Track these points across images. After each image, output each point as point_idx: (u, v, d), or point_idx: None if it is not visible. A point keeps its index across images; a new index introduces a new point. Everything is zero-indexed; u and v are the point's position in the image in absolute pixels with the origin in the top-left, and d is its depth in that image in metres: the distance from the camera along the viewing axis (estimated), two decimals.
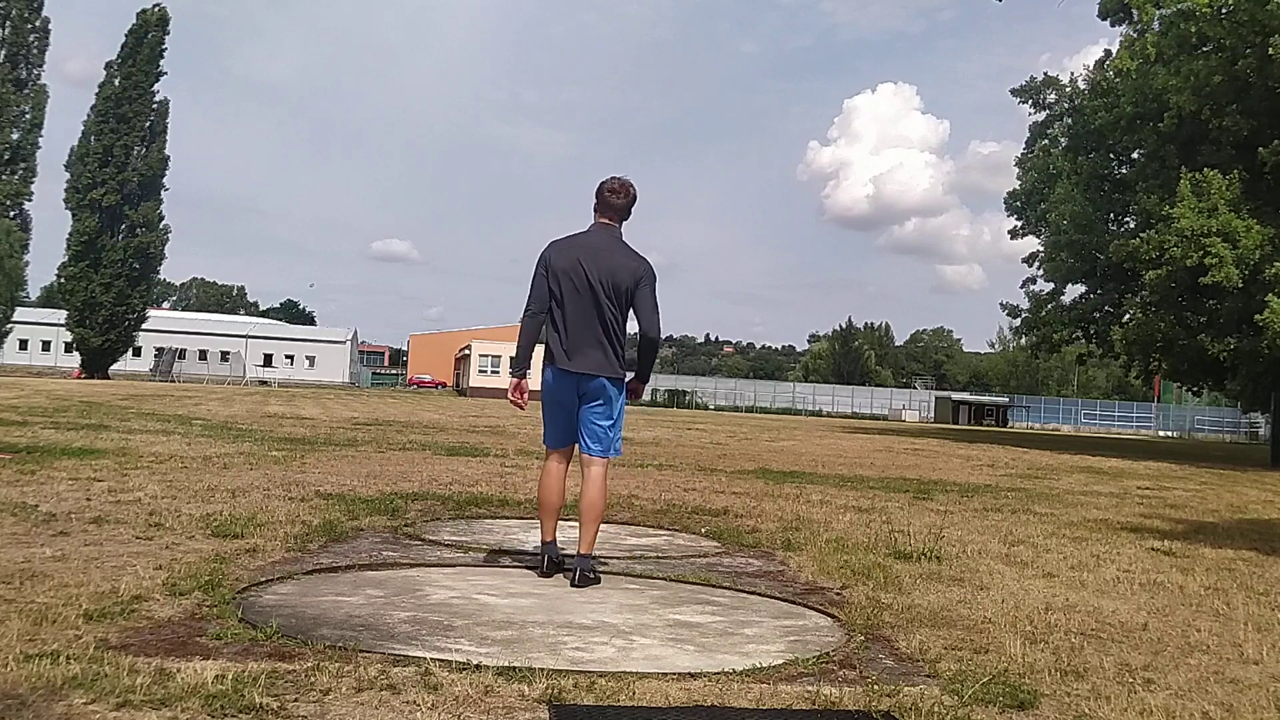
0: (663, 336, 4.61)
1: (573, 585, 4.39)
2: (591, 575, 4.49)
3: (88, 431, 11.91)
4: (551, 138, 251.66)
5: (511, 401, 4.76)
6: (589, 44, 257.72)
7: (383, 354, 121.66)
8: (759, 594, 4.54)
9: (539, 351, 4.56)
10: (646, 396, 73.76)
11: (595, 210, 4.65)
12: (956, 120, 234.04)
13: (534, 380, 4.53)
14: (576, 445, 4.66)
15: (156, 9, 49.83)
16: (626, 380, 4.63)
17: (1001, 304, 45.00)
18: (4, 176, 40.98)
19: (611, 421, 4.59)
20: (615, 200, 4.61)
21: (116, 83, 48.66)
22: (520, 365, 4.64)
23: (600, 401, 4.54)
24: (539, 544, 4.77)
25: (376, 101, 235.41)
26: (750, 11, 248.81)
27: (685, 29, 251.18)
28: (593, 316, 4.45)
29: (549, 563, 4.59)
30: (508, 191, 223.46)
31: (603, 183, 4.65)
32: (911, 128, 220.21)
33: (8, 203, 41.01)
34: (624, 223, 4.68)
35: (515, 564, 4.97)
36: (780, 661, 3.34)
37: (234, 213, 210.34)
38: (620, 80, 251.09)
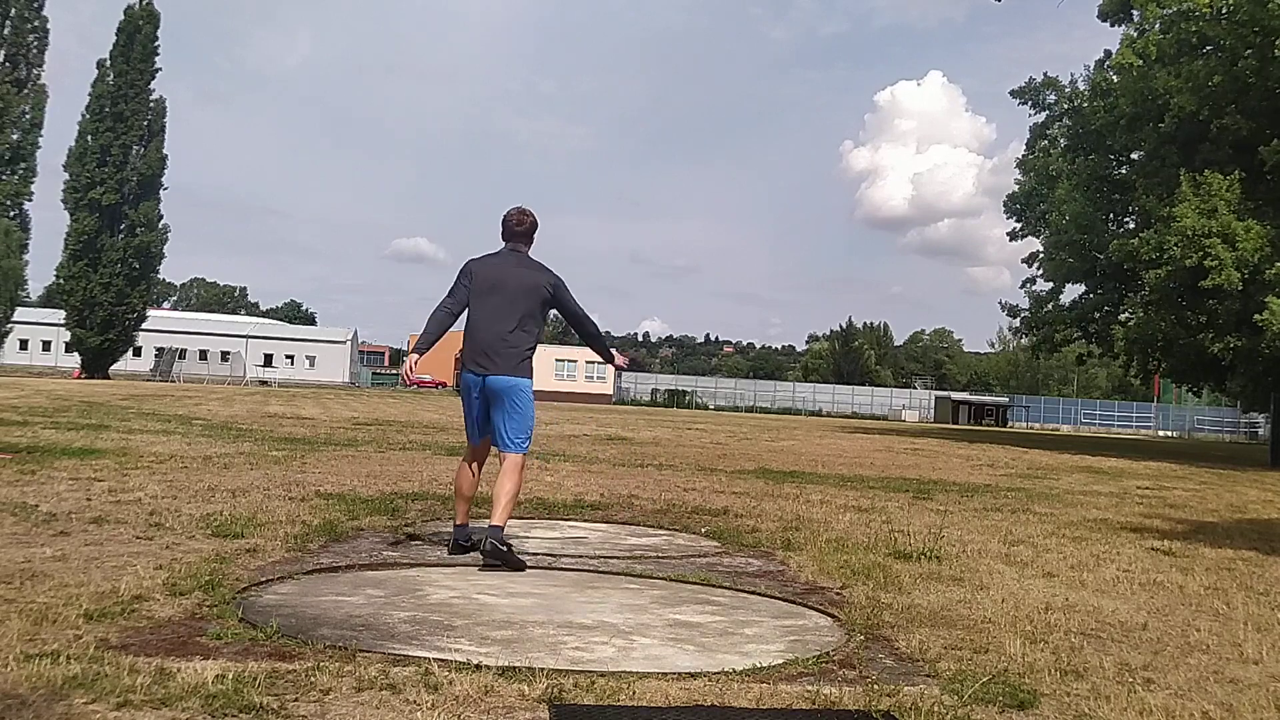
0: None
1: (481, 552, 4.83)
2: (502, 546, 4.79)
3: (88, 431, 11.92)
4: (568, 130, 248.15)
5: (404, 376, 5.29)
6: (609, 30, 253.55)
7: (383, 354, 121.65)
8: (759, 594, 4.54)
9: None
10: (646, 396, 74.30)
11: (503, 237, 5.29)
12: (1001, 116, 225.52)
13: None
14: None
15: (145, 5, 49.74)
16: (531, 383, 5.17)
17: (1001, 304, 45.09)
18: (4, 177, 40.91)
19: (520, 419, 5.05)
20: (517, 229, 5.25)
21: (110, 80, 48.59)
22: (424, 349, 5.18)
23: (510, 401, 5.00)
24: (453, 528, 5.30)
25: (389, 93, 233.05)
26: None
27: (713, 14, 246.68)
28: (506, 325, 5.01)
29: (456, 544, 5.14)
30: (522, 187, 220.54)
31: (506, 214, 5.28)
32: (956, 125, 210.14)
33: (8, 203, 40.89)
34: (530, 245, 5.31)
35: None
36: (780, 661, 3.34)
37: (241, 211, 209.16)
38: (641, 69, 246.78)
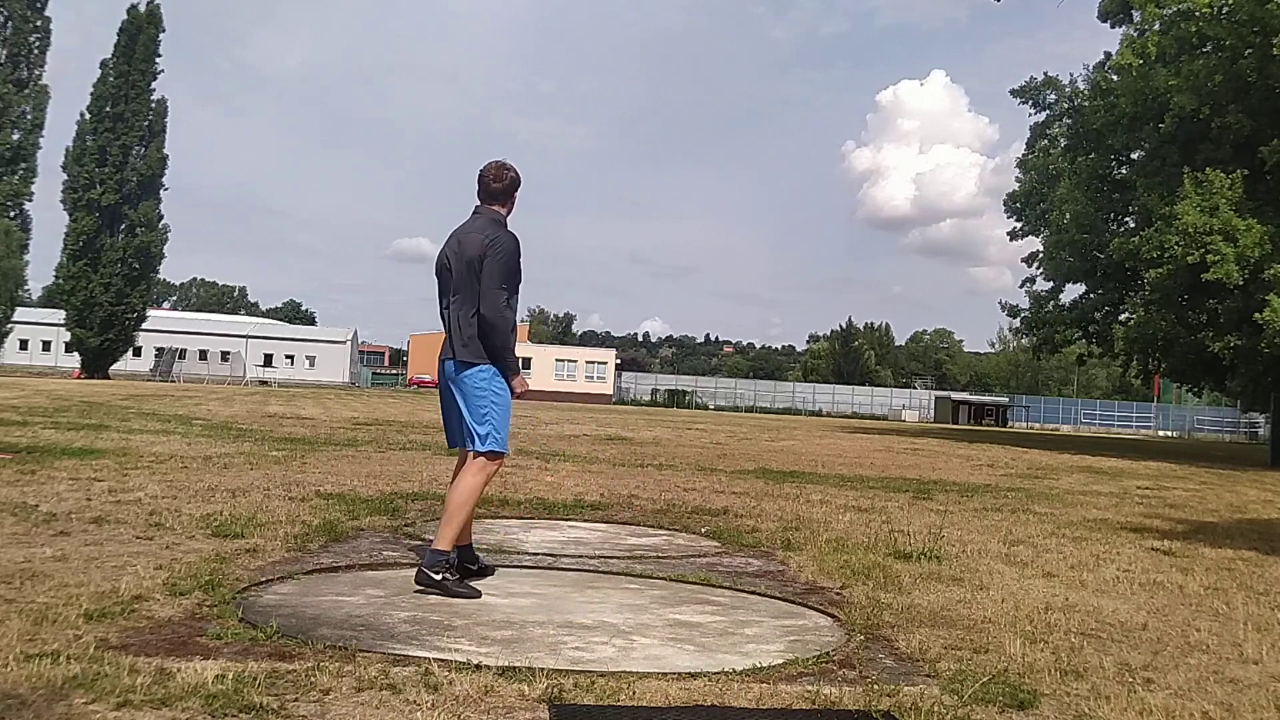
0: (504, 315, 4.27)
1: (417, 581, 4.15)
2: (434, 574, 4.09)
3: (88, 431, 11.91)
4: (568, 131, 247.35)
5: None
6: (609, 30, 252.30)
7: (383, 354, 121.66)
8: (759, 594, 4.54)
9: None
10: (646, 396, 74.21)
11: (477, 196, 4.56)
12: (1003, 116, 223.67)
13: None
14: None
15: (148, 5, 49.76)
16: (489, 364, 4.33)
17: (1001, 304, 45.11)
18: (4, 177, 40.91)
19: (468, 409, 4.30)
20: (494, 184, 4.50)
21: (110, 81, 48.61)
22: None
23: (466, 387, 4.31)
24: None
25: (389, 93, 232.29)
26: None
27: (713, 14, 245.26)
28: (460, 300, 4.34)
29: (460, 567, 4.33)
30: (522, 187, 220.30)
31: (482, 169, 4.54)
32: (959, 124, 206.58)
33: (8, 203, 40.91)
34: (507, 206, 4.55)
35: (515, 564, 4.98)
36: (780, 661, 3.34)
37: (241, 211, 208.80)
38: (641, 69, 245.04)
